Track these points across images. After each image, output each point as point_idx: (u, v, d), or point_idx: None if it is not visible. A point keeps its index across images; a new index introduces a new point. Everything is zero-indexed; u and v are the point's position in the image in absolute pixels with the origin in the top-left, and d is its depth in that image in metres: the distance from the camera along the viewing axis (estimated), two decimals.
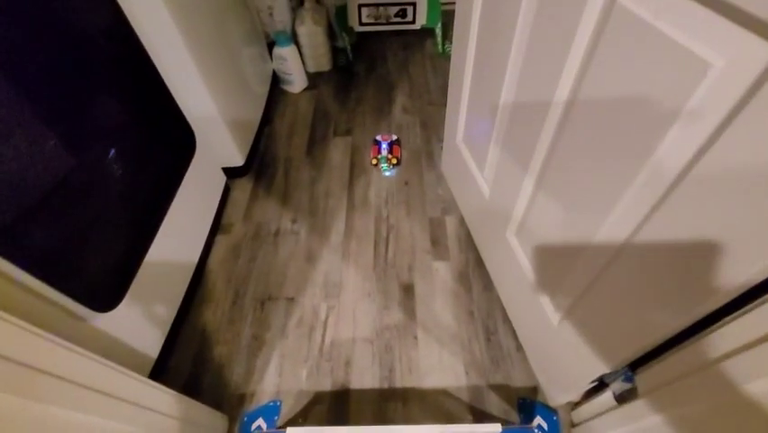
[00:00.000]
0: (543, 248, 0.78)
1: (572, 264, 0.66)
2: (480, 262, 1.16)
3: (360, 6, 1.77)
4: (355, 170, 1.44)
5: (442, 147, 1.49)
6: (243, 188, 1.41)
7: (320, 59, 1.82)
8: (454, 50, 1.02)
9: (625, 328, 0.59)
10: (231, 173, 1.39)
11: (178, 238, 1.05)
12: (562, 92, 0.59)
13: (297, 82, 1.73)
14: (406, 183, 1.38)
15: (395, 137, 1.53)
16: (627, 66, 0.46)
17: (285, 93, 1.77)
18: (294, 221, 1.30)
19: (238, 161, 1.37)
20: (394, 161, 1.44)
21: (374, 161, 1.45)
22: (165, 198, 0.99)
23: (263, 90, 1.65)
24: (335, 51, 1.91)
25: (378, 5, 1.77)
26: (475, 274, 1.14)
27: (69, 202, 0.72)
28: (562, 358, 0.79)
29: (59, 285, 0.66)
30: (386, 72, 1.86)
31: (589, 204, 0.59)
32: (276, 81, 1.78)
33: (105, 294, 0.77)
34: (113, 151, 0.84)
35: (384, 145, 1.48)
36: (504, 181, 0.88)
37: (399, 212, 1.30)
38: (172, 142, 1.06)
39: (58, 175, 0.69)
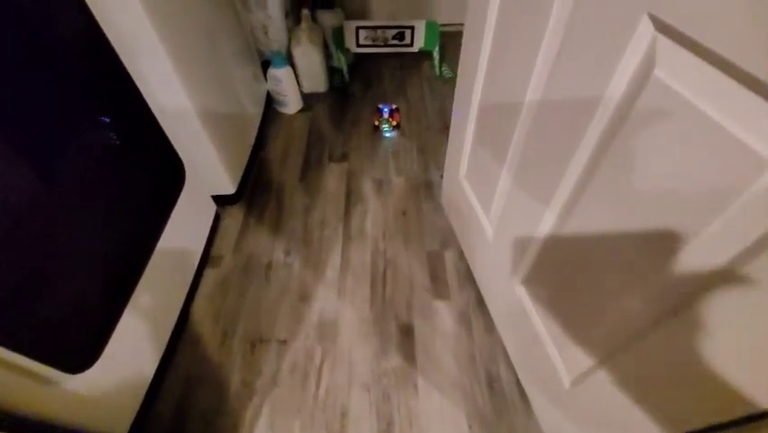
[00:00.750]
0: (557, 302, 0.74)
1: (597, 322, 0.62)
2: (480, 301, 1.12)
3: (357, 28, 1.73)
4: (351, 197, 1.39)
5: (441, 176, 1.45)
6: (234, 215, 1.34)
7: (316, 80, 1.78)
8: (459, 84, 0.98)
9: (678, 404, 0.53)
10: (221, 200, 1.33)
11: (164, 279, 0.99)
12: (591, 138, 0.54)
13: (291, 103, 1.68)
14: (404, 213, 1.34)
15: (394, 106, 1.69)
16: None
17: (279, 114, 1.72)
18: (287, 253, 1.24)
19: (229, 189, 1.31)
20: (394, 123, 1.63)
21: (376, 123, 1.64)
22: (149, 240, 0.92)
23: (257, 111, 1.59)
24: (331, 71, 1.87)
25: (376, 28, 1.74)
26: (476, 314, 1.10)
27: (34, 243, 0.65)
28: (575, 423, 0.75)
29: (20, 347, 0.59)
30: (382, 93, 1.82)
31: (624, 260, 0.55)
32: (270, 102, 1.73)
33: (79, 352, 0.71)
34: (88, 188, 0.78)
35: (386, 110, 1.66)
36: (512, 226, 0.84)
37: (397, 244, 1.26)
38: (158, 176, 1.00)
39: (21, 211, 0.62)
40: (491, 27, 0.76)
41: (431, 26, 1.75)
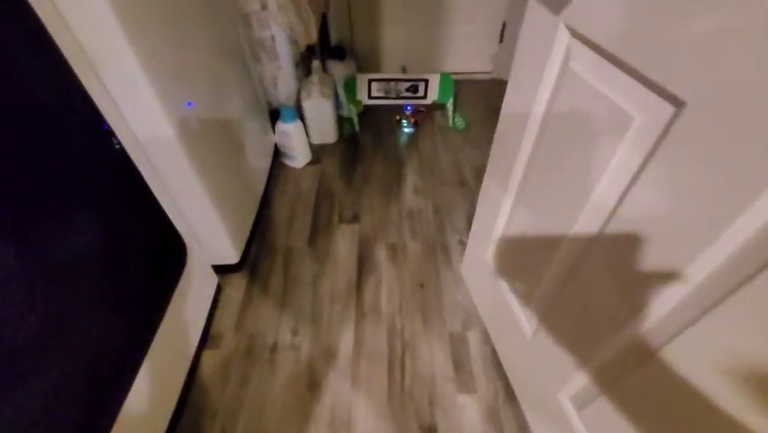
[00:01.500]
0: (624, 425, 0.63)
1: None
2: (511, 394, 1.00)
3: (370, 81, 1.68)
4: (364, 265, 1.29)
5: (459, 241, 1.36)
6: (237, 284, 1.24)
7: (325, 132, 1.71)
8: (491, 161, 0.91)
9: None
10: (223, 268, 1.22)
11: (159, 366, 0.87)
12: None
13: (299, 157, 1.61)
14: (422, 286, 1.24)
15: (420, 108, 1.87)
16: None
17: (286, 168, 1.64)
18: (294, 332, 1.13)
19: (233, 258, 1.21)
20: (412, 120, 1.81)
21: (398, 117, 1.83)
22: (142, 340, 0.81)
23: (264, 166, 1.51)
24: (340, 120, 1.81)
25: (389, 81, 1.69)
26: (506, 410, 0.98)
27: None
28: None
29: None
30: (393, 145, 1.76)
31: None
32: (277, 154, 1.65)
33: None
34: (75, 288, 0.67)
35: (408, 108, 1.83)
36: (562, 328, 0.74)
37: (415, 323, 1.15)
38: (156, 262, 0.90)
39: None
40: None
41: (445, 79, 1.70)
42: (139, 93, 0.78)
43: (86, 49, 0.70)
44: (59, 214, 0.63)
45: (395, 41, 2.02)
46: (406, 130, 1.82)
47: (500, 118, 0.85)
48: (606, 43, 0.51)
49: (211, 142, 1.05)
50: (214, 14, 1.10)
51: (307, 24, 1.51)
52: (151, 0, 0.80)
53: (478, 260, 1.08)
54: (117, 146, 0.75)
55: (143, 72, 0.75)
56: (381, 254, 1.32)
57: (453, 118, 1.81)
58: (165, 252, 0.92)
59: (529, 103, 0.71)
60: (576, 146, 0.61)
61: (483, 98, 2.02)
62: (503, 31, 2.01)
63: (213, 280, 1.16)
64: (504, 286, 0.94)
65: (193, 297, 1.03)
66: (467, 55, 2.10)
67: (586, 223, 0.61)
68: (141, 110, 0.80)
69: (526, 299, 0.85)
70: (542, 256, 0.74)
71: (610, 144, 0.53)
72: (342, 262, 1.30)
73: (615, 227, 0.55)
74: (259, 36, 1.48)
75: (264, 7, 1.39)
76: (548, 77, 0.65)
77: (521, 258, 0.85)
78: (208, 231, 1.10)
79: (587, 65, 0.56)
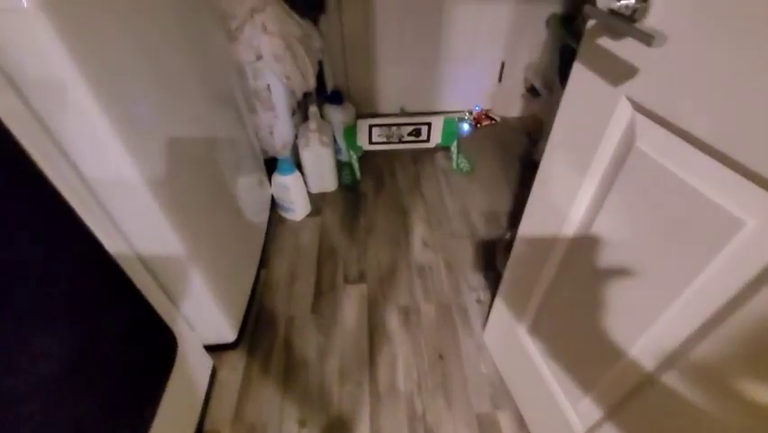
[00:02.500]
0: None
1: None
2: None
3: (371, 126, 1.60)
4: (375, 335, 1.17)
5: (477, 299, 1.25)
6: (233, 365, 1.10)
7: (325, 180, 1.62)
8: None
9: None
10: (218, 347, 1.09)
11: None
12: None
13: (299, 210, 1.50)
14: (441, 357, 1.11)
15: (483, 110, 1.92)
16: None
17: (284, 221, 1.53)
18: (302, 423, 0.99)
19: (229, 336, 1.07)
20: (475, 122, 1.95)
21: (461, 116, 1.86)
22: None
23: (261, 223, 1.40)
24: (339, 166, 1.72)
25: (390, 126, 1.61)
26: None
27: None
28: None
29: None
30: (396, 192, 1.66)
31: None
32: (273, 206, 1.54)
33: None
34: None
35: (477, 107, 1.94)
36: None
37: (437, 404, 1.02)
38: (140, 362, 0.76)
39: None
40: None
41: (448, 122, 1.63)
42: (109, 152, 0.64)
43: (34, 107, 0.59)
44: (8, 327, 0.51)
45: (392, 82, 1.97)
46: (465, 127, 1.88)
47: (528, 210, 0.76)
48: (696, 129, 0.42)
49: (201, 206, 0.94)
50: (205, 70, 1.01)
51: (305, 72, 1.44)
52: (132, 69, 0.70)
53: (505, 329, 0.97)
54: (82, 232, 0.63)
55: (111, 127, 0.62)
56: (393, 320, 1.20)
57: (458, 161, 1.74)
58: (150, 348, 0.78)
59: (572, 187, 0.62)
60: (643, 245, 0.51)
61: (484, 136, 1.96)
62: (502, 70, 1.97)
63: (207, 363, 1.02)
64: (543, 366, 0.82)
65: (184, 390, 0.89)
66: (466, 94, 2.05)
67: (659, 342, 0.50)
68: (110, 172, 0.66)
69: (573, 392, 0.73)
70: (601, 351, 0.63)
71: (700, 251, 0.44)
72: (350, 333, 1.17)
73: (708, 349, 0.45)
74: (254, 86, 1.39)
75: (259, 58, 1.31)
76: (601, 157, 0.56)
77: (575, 343, 0.74)
78: (201, 310, 0.97)
79: (666, 149, 0.47)
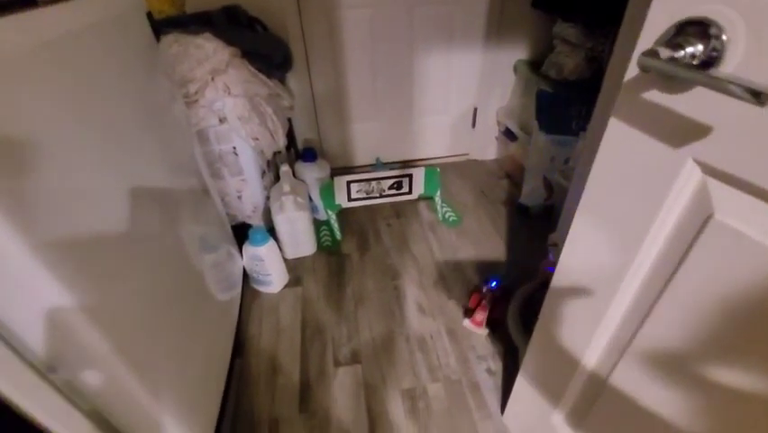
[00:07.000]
0: None
1: None
2: None
3: (348, 183, 1.49)
4: (378, 428, 0.98)
5: (487, 369, 1.10)
6: None
7: (302, 244, 1.47)
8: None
9: None
10: None
11: None
12: None
13: (275, 282, 1.33)
14: None
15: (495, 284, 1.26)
16: None
17: (260, 295, 1.35)
18: None
19: None
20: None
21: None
22: None
23: (232, 297, 1.21)
24: (317, 225, 1.58)
25: (370, 180, 1.51)
26: None
27: None
28: None
29: None
30: (383, 251, 1.53)
31: None
32: (246, 278, 1.37)
33: None
34: None
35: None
36: None
37: None
38: None
39: None
40: None
41: (430, 172, 1.55)
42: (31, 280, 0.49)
43: None
44: None
45: (366, 135, 1.90)
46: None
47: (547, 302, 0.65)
48: None
49: (154, 327, 0.76)
50: (163, 146, 0.88)
51: (274, 132, 1.33)
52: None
53: (534, 414, 0.82)
54: None
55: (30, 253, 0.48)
56: (398, 409, 1.02)
57: (444, 214, 1.64)
58: None
59: (620, 266, 0.51)
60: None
61: (464, 180, 1.90)
62: (475, 115, 1.96)
63: None
64: None
65: None
66: (441, 141, 2.01)
67: None
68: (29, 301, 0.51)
69: None
70: None
71: None
72: (348, 431, 0.98)
73: None
74: (218, 150, 1.26)
75: (223, 121, 1.19)
76: (656, 234, 0.46)
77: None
78: None
79: (754, 220, 0.37)
